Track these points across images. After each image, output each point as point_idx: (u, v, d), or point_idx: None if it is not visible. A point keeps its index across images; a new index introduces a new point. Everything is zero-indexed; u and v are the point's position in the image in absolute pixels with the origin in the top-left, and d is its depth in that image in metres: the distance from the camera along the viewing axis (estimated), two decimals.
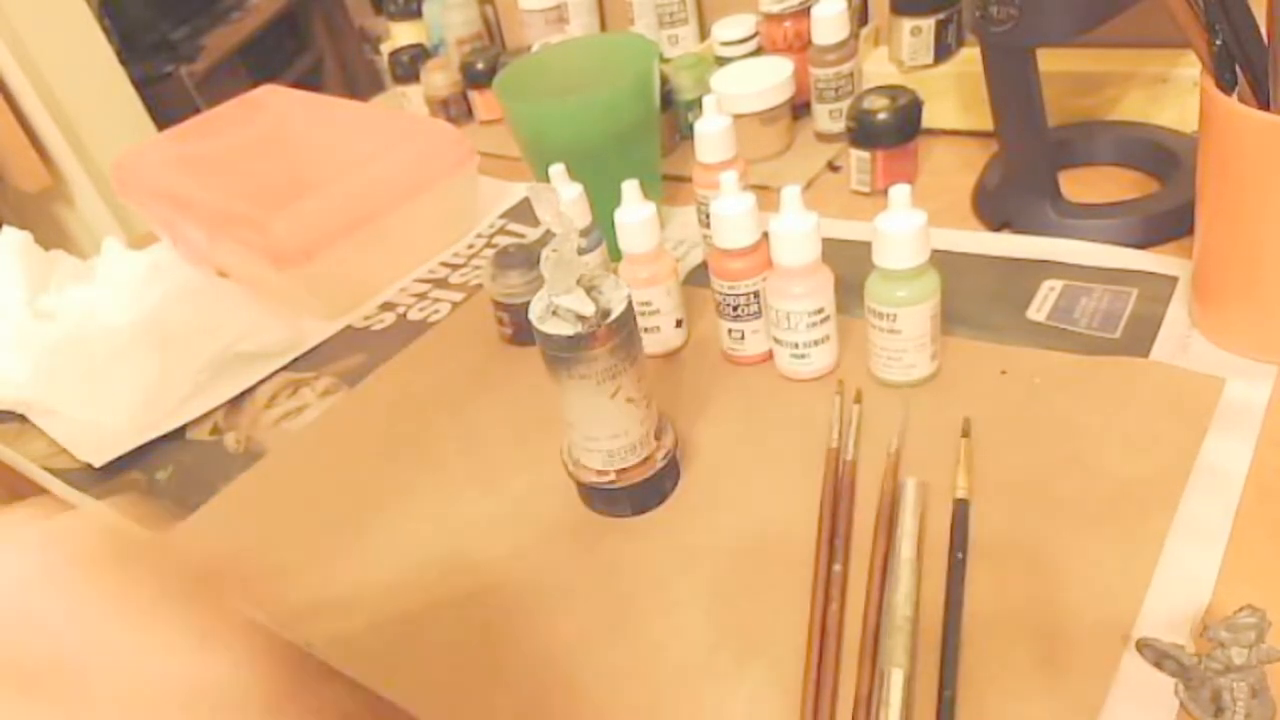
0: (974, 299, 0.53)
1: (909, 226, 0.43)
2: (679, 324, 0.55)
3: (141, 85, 1.44)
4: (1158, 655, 0.33)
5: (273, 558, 0.49)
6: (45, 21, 1.28)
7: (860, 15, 0.75)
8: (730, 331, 0.52)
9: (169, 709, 0.22)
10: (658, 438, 0.45)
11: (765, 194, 0.57)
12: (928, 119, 0.64)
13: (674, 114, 0.75)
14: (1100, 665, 0.34)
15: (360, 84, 2.23)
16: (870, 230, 0.45)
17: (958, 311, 0.51)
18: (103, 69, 1.36)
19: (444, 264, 0.72)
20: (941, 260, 0.47)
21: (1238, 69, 0.40)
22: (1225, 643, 0.31)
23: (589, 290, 0.39)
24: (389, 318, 0.67)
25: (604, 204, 0.53)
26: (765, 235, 0.48)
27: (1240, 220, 0.41)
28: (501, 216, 0.76)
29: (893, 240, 0.44)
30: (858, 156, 0.63)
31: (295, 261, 0.63)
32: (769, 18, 0.72)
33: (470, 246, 0.73)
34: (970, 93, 0.66)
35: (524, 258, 0.57)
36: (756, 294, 0.50)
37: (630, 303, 0.40)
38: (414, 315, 0.66)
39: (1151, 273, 0.51)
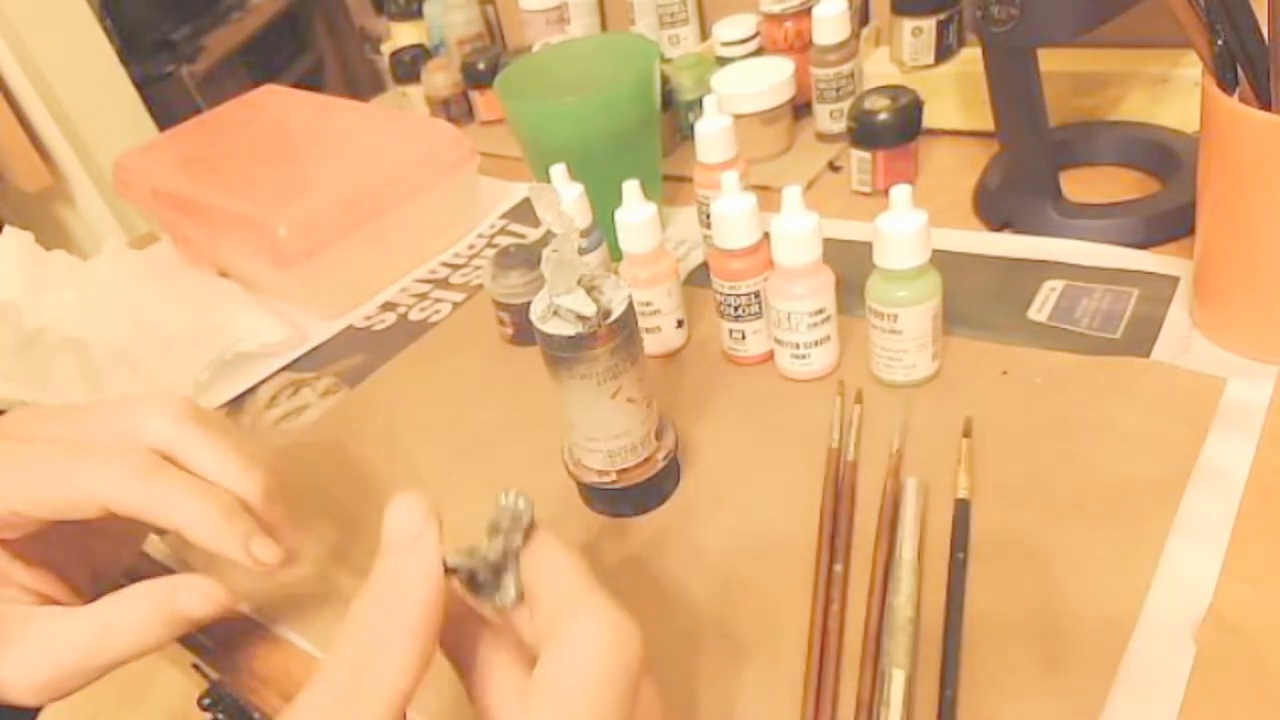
0: (975, 299, 0.53)
1: (910, 227, 0.43)
2: (680, 324, 0.55)
3: (142, 85, 1.44)
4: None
5: None
6: (46, 21, 1.28)
7: (861, 15, 0.75)
8: (731, 332, 0.52)
9: None
10: (659, 438, 0.45)
11: (766, 194, 0.57)
12: (929, 119, 0.64)
13: (675, 114, 0.75)
14: (1102, 665, 0.34)
15: (361, 84, 2.23)
16: (871, 230, 0.45)
17: (959, 312, 0.51)
18: (103, 69, 1.36)
19: (445, 264, 0.72)
20: (942, 260, 0.47)
21: (1239, 69, 0.40)
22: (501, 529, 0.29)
23: (590, 290, 0.39)
24: (390, 318, 0.67)
25: (605, 204, 0.53)
26: (766, 235, 0.48)
27: (1241, 220, 0.41)
28: (502, 216, 0.76)
29: (893, 240, 0.44)
30: (858, 157, 0.63)
31: (296, 261, 0.63)
32: (770, 18, 0.72)
33: (471, 246, 0.73)
34: (971, 93, 0.66)
35: (525, 258, 0.57)
36: (757, 294, 0.50)
37: (631, 303, 0.40)
38: (415, 315, 0.66)
39: (1152, 273, 0.51)
